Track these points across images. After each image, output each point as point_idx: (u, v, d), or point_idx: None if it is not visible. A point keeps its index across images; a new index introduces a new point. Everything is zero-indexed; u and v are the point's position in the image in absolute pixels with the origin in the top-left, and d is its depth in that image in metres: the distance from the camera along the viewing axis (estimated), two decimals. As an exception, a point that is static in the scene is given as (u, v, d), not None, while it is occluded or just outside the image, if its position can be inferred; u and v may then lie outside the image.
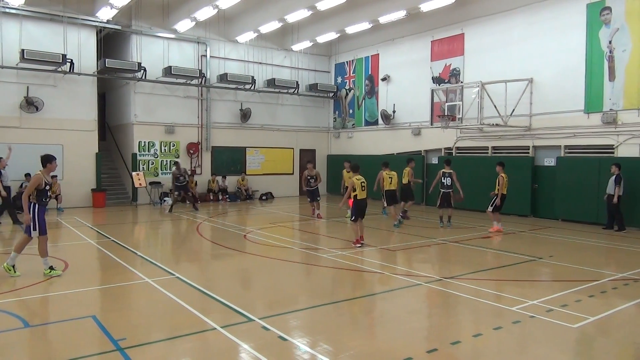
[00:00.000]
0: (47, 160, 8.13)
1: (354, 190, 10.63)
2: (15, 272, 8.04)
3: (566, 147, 15.48)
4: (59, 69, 17.70)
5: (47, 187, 8.13)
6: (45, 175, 8.08)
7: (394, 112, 21.26)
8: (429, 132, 19.61)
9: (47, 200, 8.25)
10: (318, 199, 15.86)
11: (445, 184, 13.84)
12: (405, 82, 20.81)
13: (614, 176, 13.05)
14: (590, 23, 14.67)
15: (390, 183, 13.85)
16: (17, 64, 16.97)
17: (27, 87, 17.40)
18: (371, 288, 7.90)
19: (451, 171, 13.90)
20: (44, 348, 5.27)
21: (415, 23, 19.45)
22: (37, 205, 8.00)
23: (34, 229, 7.97)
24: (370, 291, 7.68)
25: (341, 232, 13.36)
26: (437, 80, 19.28)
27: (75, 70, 18.01)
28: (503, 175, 12.95)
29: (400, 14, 17.57)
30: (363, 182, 10.75)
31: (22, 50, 16.49)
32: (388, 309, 6.89)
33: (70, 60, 17.68)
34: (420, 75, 20.00)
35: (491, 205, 12.99)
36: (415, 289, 7.71)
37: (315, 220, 15.41)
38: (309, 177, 15.82)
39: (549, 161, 15.72)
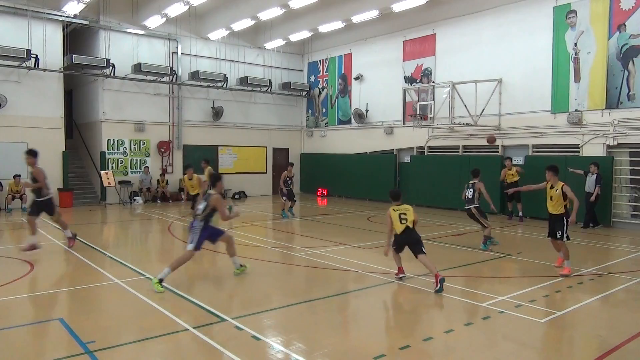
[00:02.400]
0: (217, 179, 7.93)
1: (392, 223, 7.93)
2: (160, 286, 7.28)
3: (534, 146, 15.87)
4: (23, 65, 17.14)
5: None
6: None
7: (366, 111, 21.39)
8: (401, 131, 19.79)
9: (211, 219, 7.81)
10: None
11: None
12: (378, 81, 20.95)
13: (595, 175, 13.34)
14: (557, 26, 15.07)
15: (192, 187, 14.09)
16: (-22, 59, 16.39)
17: (-10, 83, 16.83)
18: (345, 286, 7.92)
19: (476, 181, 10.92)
20: (9, 353, 5.10)
21: (388, 23, 19.60)
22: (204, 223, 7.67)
23: (191, 242, 7.59)
24: (344, 289, 7.71)
25: (315, 231, 13.37)
26: (409, 79, 19.47)
27: (40, 66, 17.48)
28: (563, 184, 8.64)
29: (373, 13, 17.68)
30: (403, 213, 7.91)
31: (-16, 45, 15.94)
32: (361, 306, 6.93)
33: (35, 56, 17.14)
34: (392, 75, 20.17)
35: (566, 232, 8.48)
36: (388, 287, 7.78)
37: (290, 220, 15.32)
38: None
39: (518, 160, 16.07)
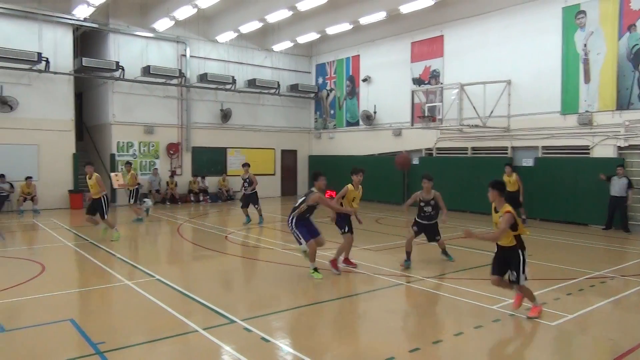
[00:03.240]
0: (317, 176, 8.42)
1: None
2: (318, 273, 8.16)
3: (544, 147, 15.75)
4: (34, 68, 17.33)
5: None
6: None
7: (374, 112, 21.36)
8: (409, 133, 19.75)
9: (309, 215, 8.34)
10: None
11: None
12: (386, 83, 20.92)
13: (624, 178, 13.09)
14: (566, 26, 14.97)
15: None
16: (-10, 62, 16.57)
17: (1, 86, 16.99)
18: (353, 288, 7.91)
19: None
20: (21, 353, 5.14)
21: (395, 24, 19.57)
22: (298, 220, 8.20)
23: (304, 238, 8.13)
24: (353, 291, 7.70)
25: (324, 233, 13.34)
26: (417, 81, 19.43)
27: (50, 69, 17.66)
28: (509, 209, 6.10)
29: (381, 15, 17.67)
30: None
31: (-5, 49, 16.11)
32: (370, 309, 6.92)
33: (45, 59, 17.32)
34: (400, 77, 20.13)
35: (523, 271, 6.14)
36: (397, 289, 7.75)
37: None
38: None
39: (527, 162, 15.96)
